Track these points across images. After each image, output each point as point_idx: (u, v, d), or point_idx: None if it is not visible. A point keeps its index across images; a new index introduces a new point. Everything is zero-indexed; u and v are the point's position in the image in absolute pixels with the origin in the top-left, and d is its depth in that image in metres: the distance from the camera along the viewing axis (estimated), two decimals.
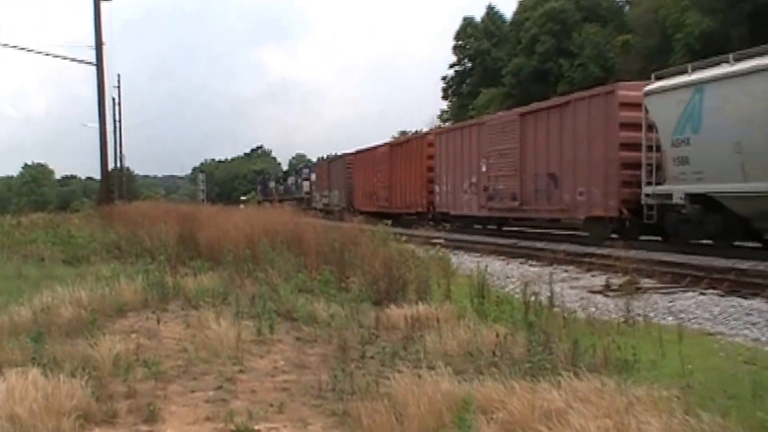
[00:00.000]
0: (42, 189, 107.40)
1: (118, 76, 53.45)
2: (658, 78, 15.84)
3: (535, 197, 20.72)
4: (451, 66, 53.25)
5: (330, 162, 46.55)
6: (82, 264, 12.32)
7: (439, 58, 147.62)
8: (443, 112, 57.88)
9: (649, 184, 15.79)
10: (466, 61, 52.07)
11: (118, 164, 53.39)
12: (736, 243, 14.53)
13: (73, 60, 30.52)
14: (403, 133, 65.85)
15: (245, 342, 6.00)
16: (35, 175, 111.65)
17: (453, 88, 53.86)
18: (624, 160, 16.65)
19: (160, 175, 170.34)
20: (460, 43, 51.79)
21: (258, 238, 10.85)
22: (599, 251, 13.70)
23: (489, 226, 24.72)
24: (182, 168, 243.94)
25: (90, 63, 28.91)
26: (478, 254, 15.74)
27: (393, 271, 8.36)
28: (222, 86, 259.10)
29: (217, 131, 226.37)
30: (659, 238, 16.33)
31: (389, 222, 12.64)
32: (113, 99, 50.16)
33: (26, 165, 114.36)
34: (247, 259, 10.06)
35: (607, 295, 9.42)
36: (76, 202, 53.35)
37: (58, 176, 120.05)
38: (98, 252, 13.54)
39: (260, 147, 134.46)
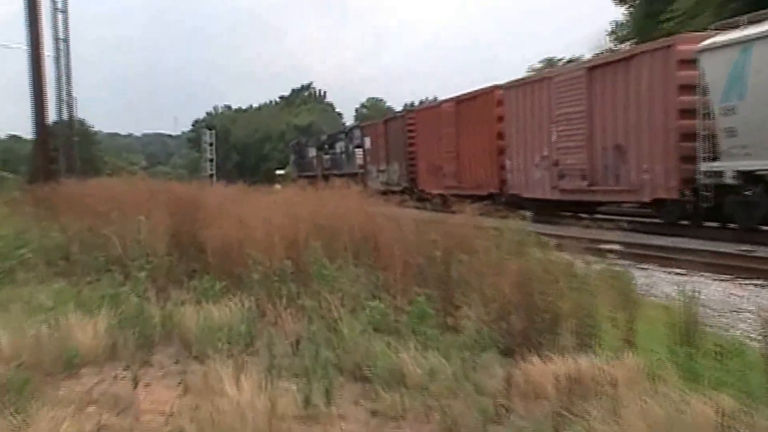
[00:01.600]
0: None
1: None
2: (718, 30, 20.63)
3: (604, 175, 26.01)
4: None
5: (386, 122, 49.01)
6: (2, 285, 12.63)
7: None
8: (618, 25, 57.10)
9: (705, 159, 20.62)
10: None
11: (65, 114, 54.92)
12: None
13: None
14: (550, 62, 65.47)
15: (284, 418, 6.13)
16: None
17: None
18: (684, 129, 21.58)
19: (138, 133, 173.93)
20: None
21: (304, 241, 11.07)
22: None
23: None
24: (175, 123, 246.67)
25: None
26: (681, 270, 15.94)
27: (534, 297, 8.41)
28: None
29: (232, 62, 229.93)
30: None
31: (527, 215, 12.82)
32: (54, 2, 51.73)
33: None
34: (286, 276, 10.25)
35: None
36: None
37: None
38: (31, 264, 13.77)
39: (308, 87, 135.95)
